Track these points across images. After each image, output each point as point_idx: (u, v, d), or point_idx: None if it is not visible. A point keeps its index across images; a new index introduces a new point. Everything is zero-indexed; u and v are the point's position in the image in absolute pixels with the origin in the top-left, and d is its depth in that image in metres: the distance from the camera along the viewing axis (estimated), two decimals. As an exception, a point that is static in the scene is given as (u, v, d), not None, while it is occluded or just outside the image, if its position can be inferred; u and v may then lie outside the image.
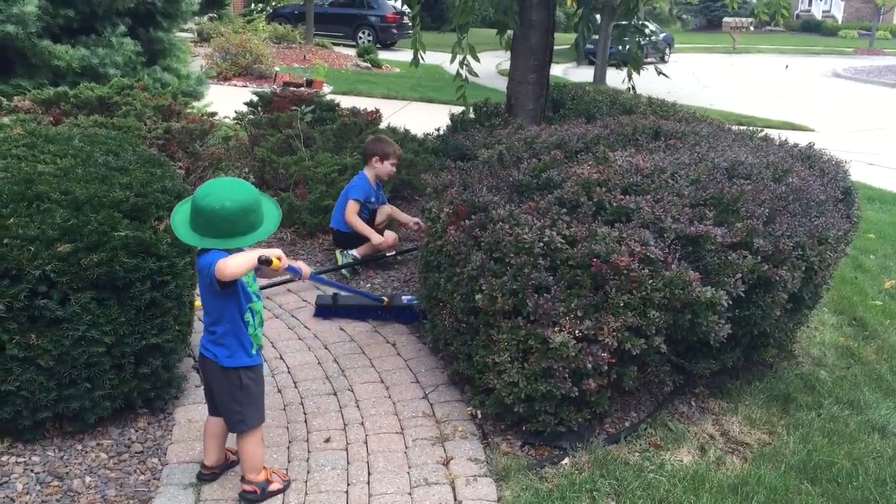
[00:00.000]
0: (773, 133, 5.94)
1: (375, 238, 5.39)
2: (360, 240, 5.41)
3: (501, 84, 17.39)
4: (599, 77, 20.56)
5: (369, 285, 5.12)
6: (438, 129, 8.15)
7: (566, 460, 3.47)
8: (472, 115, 7.94)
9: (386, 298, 4.60)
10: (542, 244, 3.44)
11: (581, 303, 3.37)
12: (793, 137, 5.87)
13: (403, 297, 4.63)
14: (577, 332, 3.32)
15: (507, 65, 7.73)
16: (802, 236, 3.85)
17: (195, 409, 3.67)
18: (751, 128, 5.93)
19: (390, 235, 5.48)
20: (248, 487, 3.12)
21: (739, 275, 3.58)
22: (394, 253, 5.53)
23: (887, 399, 4.30)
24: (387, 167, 5.56)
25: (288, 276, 3.55)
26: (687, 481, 3.37)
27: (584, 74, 22.17)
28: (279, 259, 2.91)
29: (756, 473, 3.46)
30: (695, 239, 3.60)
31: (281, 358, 4.22)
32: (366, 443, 3.52)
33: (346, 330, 4.53)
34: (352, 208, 5.44)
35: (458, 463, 3.38)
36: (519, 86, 6.19)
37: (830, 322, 5.42)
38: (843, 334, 5.25)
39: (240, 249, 2.85)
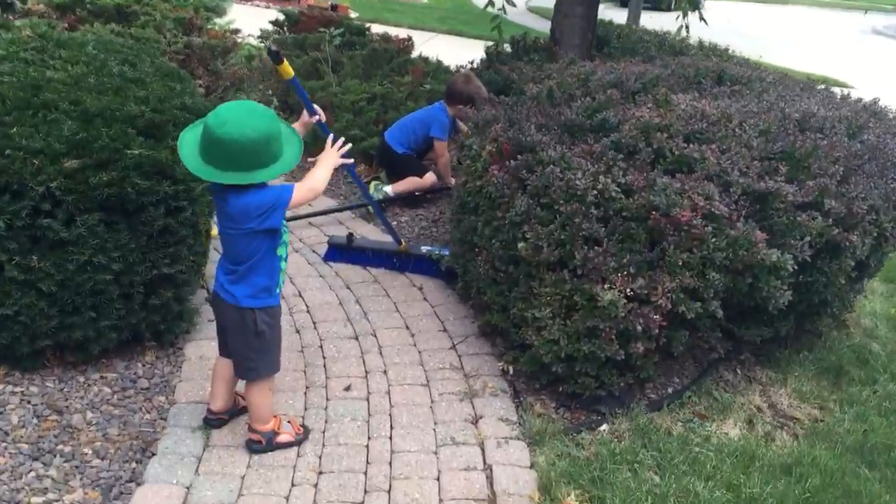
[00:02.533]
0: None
1: (453, 181, 5.03)
2: (411, 169, 5.07)
3: (532, 21, 16.82)
4: (633, 19, 19.80)
5: (395, 223, 4.81)
6: (472, 62, 7.73)
7: (604, 426, 3.21)
8: (508, 49, 7.51)
9: (403, 243, 4.22)
10: (595, 192, 3.12)
11: (634, 259, 3.06)
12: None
13: (423, 247, 4.26)
14: (628, 290, 3.02)
15: (537, 1, 7.26)
16: (877, 199, 3.51)
17: (207, 346, 3.41)
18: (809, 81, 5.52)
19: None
20: (253, 437, 2.89)
21: (808, 238, 3.26)
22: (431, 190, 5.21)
23: (946, 378, 4.00)
24: (470, 113, 5.20)
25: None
26: (736, 457, 3.11)
27: (618, 16, 21.43)
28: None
29: (810, 453, 3.19)
30: (763, 196, 3.26)
31: (300, 295, 3.95)
32: (388, 394, 3.26)
33: (371, 270, 4.23)
34: (444, 150, 5.08)
35: (487, 422, 3.12)
36: (566, 19, 5.77)
37: (880, 290, 5.10)
38: (894, 304, 4.94)
39: (263, 184, 2.55)
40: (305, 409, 3.13)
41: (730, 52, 6.62)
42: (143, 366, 3.28)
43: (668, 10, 17.63)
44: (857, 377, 3.88)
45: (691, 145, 3.34)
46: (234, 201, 2.52)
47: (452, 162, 5.14)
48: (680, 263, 3.02)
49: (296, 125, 2.96)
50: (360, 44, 6.81)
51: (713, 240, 3.04)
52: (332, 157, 2.83)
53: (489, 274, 3.54)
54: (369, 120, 5.67)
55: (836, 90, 5.89)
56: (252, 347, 2.75)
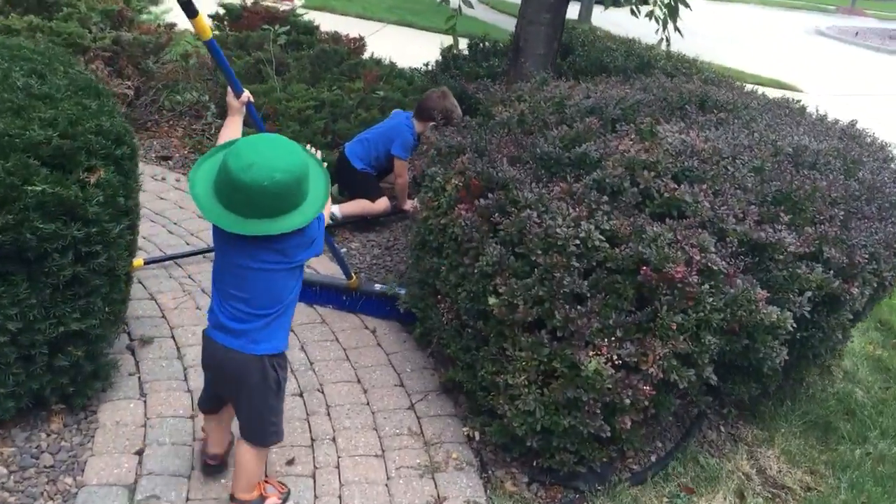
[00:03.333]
0: (764, 91, 5.28)
1: (409, 205, 4.62)
2: (367, 189, 4.62)
3: (483, 13, 16.37)
4: (585, 14, 19.53)
5: (345, 250, 4.37)
6: (427, 65, 7.30)
7: (584, 508, 2.83)
8: (465, 51, 7.10)
9: (354, 277, 3.75)
10: (577, 241, 2.73)
11: (621, 320, 2.69)
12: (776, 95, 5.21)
13: (376, 285, 3.78)
14: (615, 357, 2.64)
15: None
16: (878, 246, 3.20)
17: (126, 408, 2.94)
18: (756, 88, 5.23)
19: (411, 203, 4.72)
20: None
21: (808, 292, 2.93)
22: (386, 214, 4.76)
23: (935, 432, 3.74)
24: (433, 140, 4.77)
25: None
26: (730, 544, 2.76)
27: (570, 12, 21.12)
28: None
29: (808, 536, 2.87)
30: (761, 246, 2.92)
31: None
32: (338, 467, 2.84)
33: (317, 310, 3.78)
34: (404, 170, 4.64)
35: (453, 507, 2.72)
36: (530, 25, 5.36)
37: (856, 326, 4.84)
38: (870, 340, 4.68)
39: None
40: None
41: (698, 63, 6.31)
42: (48, 436, 2.79)
43: (621, 6, 17.24)
44: (845, 433, 3.59)
45: (682, 186, 2.97)
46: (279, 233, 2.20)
47: (410, 188, 4.72)
48: (674, 327, 2.65)
49: (230, 112, 2.72)
50: (308, 43, 6.31)
51: (710, 299, 2.68)
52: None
53: (453, 325, 3.13)
54: (317, 130, 5.20)
55: (780, 94, 5.63)
56: (273, 408, 2.47)
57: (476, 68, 6.48)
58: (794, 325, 2.85)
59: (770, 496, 3.12)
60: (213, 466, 2.71)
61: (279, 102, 5.33)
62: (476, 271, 2.86)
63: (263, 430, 2.48)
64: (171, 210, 4.56)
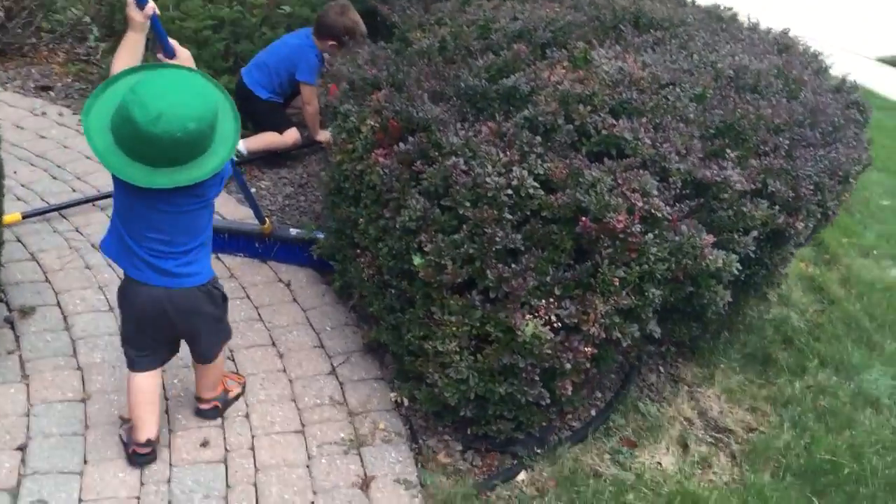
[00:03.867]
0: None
1: (322, 136, 4.22)
2: (274, 120, 4.20)
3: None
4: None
5: (254, 190, 3.98)
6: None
7: (522, 475, 2.65)
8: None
9: (268, 222, 3.41)
10: (509, 191, 2.45)
11: (559, 276, 2.45)
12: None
13: (291, 230, 3.45)
14: (552, 318, 2.41)
15: None
16: (823, 175, 3.01)
17: (4, 395, 2.61)
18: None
19: (326, 133, 4.31)
20: (206, 406, 2.66)
21: (755, 231, 2.74)
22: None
23: (872, 355, 3.68)
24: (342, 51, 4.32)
25: None
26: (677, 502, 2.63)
27: None
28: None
29: (753, 486, 2.76)
30: (705, 185, 2.69)
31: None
32: (252, 449, 2.57)
33: (225, 261, 3.43)
34: (313, 96, 4.19)
35: (381, 488, 2.49)
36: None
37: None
38: (802, 259, 4.59)
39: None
40: (141, 483, 2.39)
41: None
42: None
43: None
44: (784, 364, 3.49)
45: (620, 121, 2.69)
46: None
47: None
48: (616, 282, 2.42)
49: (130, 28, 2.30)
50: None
51: (654, 250, 2.45)
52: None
53: (375, 282, 2.84)
54: (216, 53, 4.70)
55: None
56: (219, 323, 2.50)
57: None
58: (740, 268, 2.66)
59: (713, 441, 3.00)
60: (145, 456, 2.44)
61: (172, 22, 4.76)
62: (398, 226, 2.56)
63: (211, 348, 2.53)
64: (54, 151, 4.07)
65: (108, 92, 2.08)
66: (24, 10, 4.96)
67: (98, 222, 3.55)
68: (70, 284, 3.14)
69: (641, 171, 2.57)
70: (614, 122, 2.69)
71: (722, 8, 5.29)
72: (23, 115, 4.35)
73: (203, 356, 2.54)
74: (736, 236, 2.72)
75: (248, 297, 3.24)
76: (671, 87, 2.97)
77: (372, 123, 2.82)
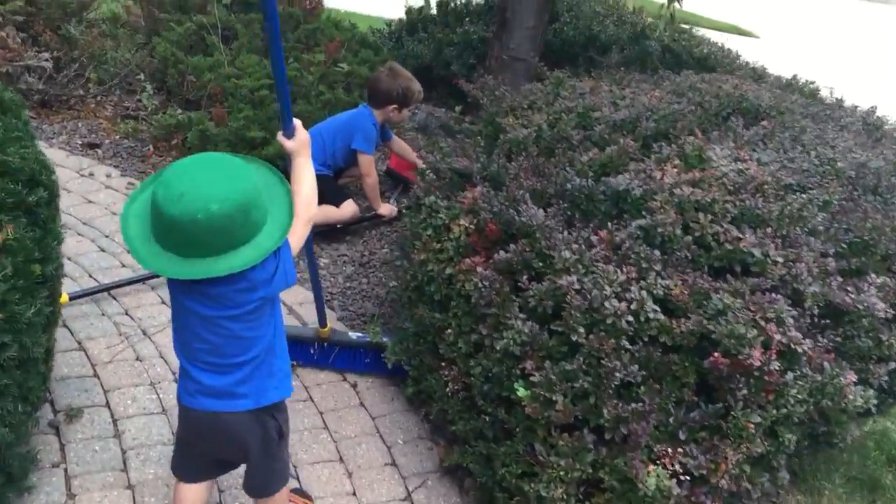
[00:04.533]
0: (718, 36, 4.81)
1: (384, 209, 4.04)
2: (326, 194, 3.92)
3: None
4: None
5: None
6: (391, 25, 6.57)
7: None
8: (433, 10, 6.40)
9: (324, 329, 3.00)
10: (629, 316, 2.16)
11: (683, 417, 2.15)
12: (736, 43, 4.72)
13: (351, 333, 3.10)
14: (676, 466, 2.10)
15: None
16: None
17: (51, 519, 2.30)
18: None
19: (388, 206, 4.09)
20: None
21: (893, 363, 2.43)
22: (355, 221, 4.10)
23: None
24: (404, 114, 4.09)
25: None
26: None
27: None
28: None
29: None
30: (842, 311, 2.40)
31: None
32: None
33: (286, 355, 3.14)
34: (371, 167, 3.98)
35: None
36: (519, -6, 4.68)
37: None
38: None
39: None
40: None
41: (692, 33, 5.73)
42: (-54, 572, 2.14)
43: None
44: (894, 488, 3.15)
45: (746, 234, 2.40)
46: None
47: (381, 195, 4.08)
48: (751, 427, 2.12)
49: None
50: (257, 3, 5.49)
51: (793, 391, 2.15)
52: (306, 144, 2.08)
53: (461, 400, 2.56)
54: (273, 115, 4.47)
55: (734, 40, 5.13)
56: (279, 454, 2.14)
57: (450, 34, 5.79)
58: (876, 403, 2.35)
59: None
60: None
61: (228, 80, 4.57)
62: (498, 349, 2.27)
63: (269, 483, 2.19)
64: (102, 218, 3.82)
65: (150, 187, 1.84)
66: (73, 62, 4.76)
67: (149, 303, 3.29)
68: (120, 380, 2.86)
69: (774, 296, 2.27)
70: (739, 234, 2.40)
71: (802, 81, 5.06)
72: (70, 177, 4.12)
73: (256, 491, 2.21)
74: (871, 366, 2.43)
75: (311, 398, 2.95)
76: (796, 192, 2.69)
77: (465, 224, 2.55)
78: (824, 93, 4.99)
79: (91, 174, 4.18)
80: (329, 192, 3.96)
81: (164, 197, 1.71)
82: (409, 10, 6.39)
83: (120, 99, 4.93)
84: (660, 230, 2.38)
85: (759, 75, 5.22)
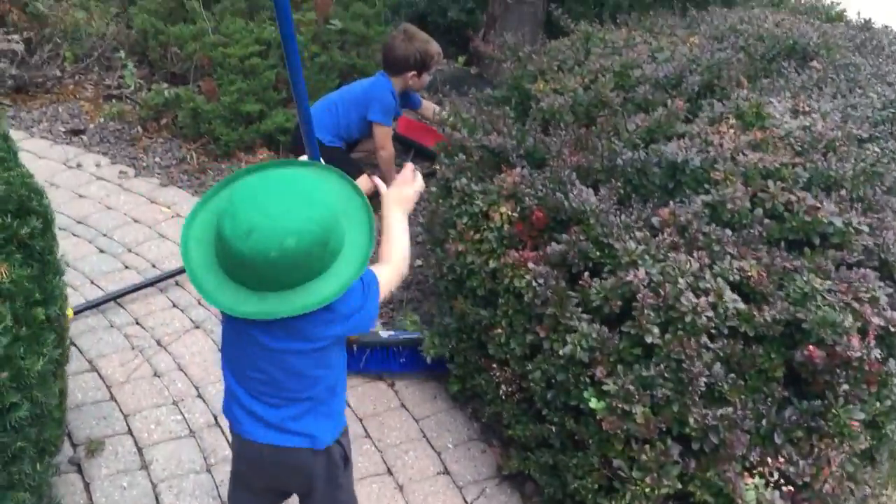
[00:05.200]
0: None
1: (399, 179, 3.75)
2: (338, 164, 3.63)
3: None
4: None
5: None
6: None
7: None
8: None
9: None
10: (709, 312, 1.93)
11: (775, 417, 1.94)
12: None
13: (382, 332, 2.81)
14: (774, 474, 1.90)
15: None
16: None
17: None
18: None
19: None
20: None
21: None
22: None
23: None
24: (424, 80, 3.77)
25: None
26: None
27: None
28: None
29: None
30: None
31: (217, 425, 2.62)
32: None
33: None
34: (387, 139, 3.69)
35: None
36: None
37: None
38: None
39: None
40: None
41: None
42: None
43: None
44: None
45: (824, 202, 2.15)
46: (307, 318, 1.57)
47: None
48: (855, 425, 1.91)
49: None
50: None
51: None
52: (408, 200, 1.98)
53: (518, 403, 2.34)
54: (268, 84, 4.16)
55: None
56: (345, 482, 1.91)
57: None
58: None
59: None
60: None
61: (214, 49, 4.22)
62: (562, 355, 2.04)
63: None
64: (97, 215, 3.55)
65: (221, 195, 1.62)
66: (46, 41, 4.41)
67: (160, 308, 3.05)
68: (140, 401, 2.64)
69: (863, 271, 2.04)
70: (816, 202, 2.15)
71: (826, 2, 4.77)
72: (56, 169, 3.82)
73: None
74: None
75: (347, 404, 2.72)
76: (864, 143, 2.43)
77: (507, 212, 2.29)
78: (851, 14, 4.68)
79: (79, 164, 3.88)
80: (340, 165, 3.67)
81: (231, 231, 1.48)
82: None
83: (100, 77, 4.58)
84: (729, 206, 2.13)
85: (779, 0, 4.89)
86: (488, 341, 2.37)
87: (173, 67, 4.39)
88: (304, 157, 2.11)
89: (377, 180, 2.25)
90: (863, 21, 4.46)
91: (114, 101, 4.38)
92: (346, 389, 1.84)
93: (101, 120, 4.22)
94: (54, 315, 1.94)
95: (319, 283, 1.55)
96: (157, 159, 3.98)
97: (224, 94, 4.00)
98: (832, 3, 4.75)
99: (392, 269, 1.79)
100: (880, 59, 3.09)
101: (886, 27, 4.29)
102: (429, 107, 4.03)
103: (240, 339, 1.69)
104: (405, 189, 1.96)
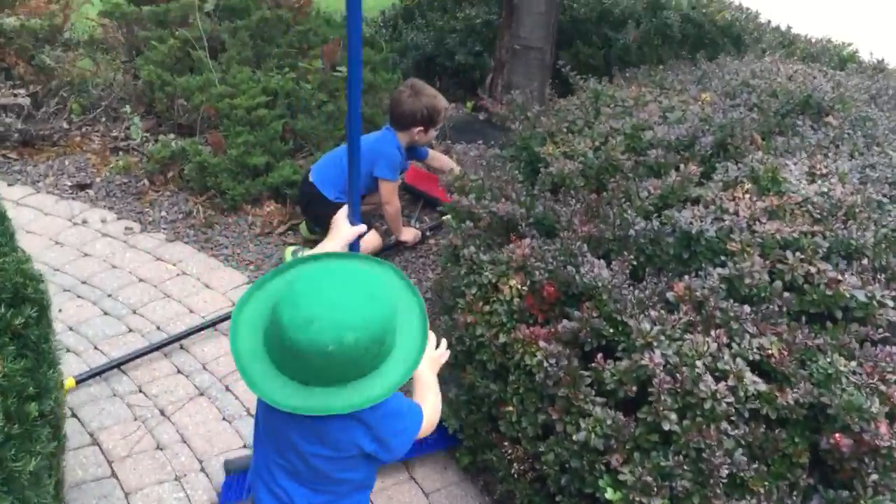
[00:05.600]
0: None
1: (406, 234, 3.74)
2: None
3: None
4: None
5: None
6: (384, 14, 6.16)
7: None
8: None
9: None
10: (729, 398, 1.85)
11: (803, 506, 1.85)
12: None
13: None
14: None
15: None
16: None
17: None
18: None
19: (411, 231, 3.78)
20: None
21: None
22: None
23: None
24: (431, 135, 3.73)
25: None
26: None
27: None
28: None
29: None
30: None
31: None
32: None
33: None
34: (393, 194, 3.65)
35: None
36: (527, -23, 4.28)
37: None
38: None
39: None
40: None
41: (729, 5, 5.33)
42: None
43: None
44: None
45: (846, 274, 2.07)
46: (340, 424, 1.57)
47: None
48: (883, 515, 1.82)
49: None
50: (241, 7, 5.08)
51: (925, 465, 1.85)
52: (437, 362, 1.93)
53: (530, 482, 2.26)
54: (274, 135, 4.12)
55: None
56: None
57: (450, 20, 5.39)
58: None
59: None
60: None
61: (221, 100, 4.20)
62: (576, 439, 1.96)
63: None
64: (102, 274, 3.50)
65: (277, 282, 1.59)
66: (52, 94, 4.40)
67: (164, 374, 2.99)
68: (141, 478, 2.57)
69: (890, 349, 1.96)
70: (837, 275, 2.07)
71: (836, 42, 4.71)
72: (61, 227, 3.79)
73: None
74: None
75: (355, 476, 2.65)
76: (884, 207, 2.35)
77: (517, 285, 2.22)
78: (863, 55, 4.62)
79: (84, 221, 3.85)
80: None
81: (290, 320, 1.43)
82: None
83: (107, 128, 4.56)
84: (747, 280, 2.06)
85: (789, 41, 4.84)
86: (499, 417, 2.30)
87: (180, 119, 4.37)
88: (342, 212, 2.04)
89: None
90: (876, 62, 4.41)
91: (120, 153, 4.35)
92: (373, 485, 1.78)
93: (108, 173, 4.19)
94: (48, 409, 1.88)
95: (367, 382, 1.50)
96: (164, 213, 3.94)
97: (231, 147, 3.96)
98: (843, 43, 4.70)
99: (425, 420, 1.74)
100: (890, 112, 3.02)
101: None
102: (435, 156, 3.99)
103: (274, 430, 1.66)
104: (435, 352, 1.91)
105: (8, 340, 1.83)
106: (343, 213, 2.04)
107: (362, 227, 2.02)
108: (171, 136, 4.30)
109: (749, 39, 4.69)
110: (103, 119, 4.63)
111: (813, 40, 4.88)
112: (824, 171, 2.43)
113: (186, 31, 4.63)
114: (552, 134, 2.68)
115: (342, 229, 2.00)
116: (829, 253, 2.16)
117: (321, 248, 1.94)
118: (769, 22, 5.23)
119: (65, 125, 4.47)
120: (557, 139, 2.64)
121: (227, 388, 2.96)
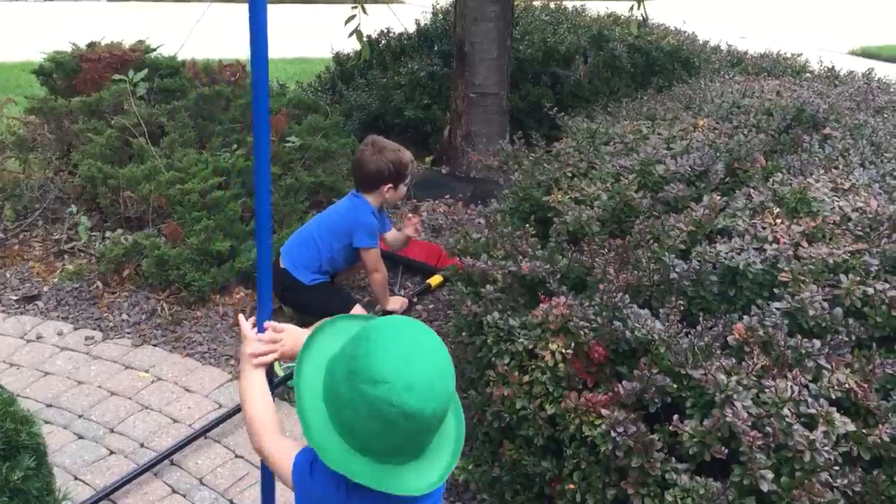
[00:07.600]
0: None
1: (393, 304, 3.50)
2: (328, 305, 3.26)
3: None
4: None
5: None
6: (320, 77, 5.99)
7: None
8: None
9: None
10: (826, 446, 1.68)
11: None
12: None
13: None
14: None
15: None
16: None
17: None
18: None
19: (398, 300, 3.54)
20: None
21: None
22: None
23: None
24: (401, 192, 3.51)
25: None
26: None
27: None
28: None
29: None
30: None
31: None
32: None
33: None
34: (378, 261, 3.43)
35: None
36: (476, 24, 4.15)
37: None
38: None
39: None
40: None
41: (662, 27, 5.34)
42: None
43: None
44: None
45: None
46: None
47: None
48: None
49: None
50: (176, 87, 4.85)
51: None
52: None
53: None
54: (234, 216, 3.87)
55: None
56: None
57: (393, 76, 5.25)
58: None
59: None
60: None
61: (171, 186, 3.93)
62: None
63: None
64: (68, 393, 3.17)
65: (318, 351, 1.46)
66: (-15, 205, 4.07)
67: (158, 496, 2.68)
68: None
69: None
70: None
71: (786, 55, 4.74)
72: (14, 346, 3.44)
73: None
74: None
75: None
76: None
77: (559, 349, 2.02)
78: (813, 65, 4.65)
79: (39, 336, 3.51)
80: (332, 300, 3.37)
81: (395, 386, 1.28)
82: (337, 57, 5.83)
83: (47, 232, 4.23)
84: (811, 312, 1.91)
85: (737, 59, 4.85)
86: (555, 496, 2.08)
87: (127, 212, 4.07)
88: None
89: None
90: (827, 70, 4.43)
91: (66, 256, 4.03)
92: None
93: (56, 280, 3.87)
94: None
95: (434, 454, 1.40)
96: (125, 316, 3.63)
97: (190, 235, 3.70)
98: (792, 55, 4.73)
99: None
100: (885, 115, 2.97)
101: (851, 73, 4.27)
102: (391, 235, 3.72)
103: None
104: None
105: (7, 500, 1.54)
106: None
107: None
108: (120, 231, 4.00)
109: (698, 61, 4.67)
110: (41, 223, 4.31)
111: (759, 55, 4.90)
112: (846, 185, 2.33)
113: (122, 118, 4.36)
114: (556, 180, 2.52)
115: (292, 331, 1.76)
116: (880, 271, 2.04)
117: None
118: (708, 41, 5.25)
119: (0, 235, 4.13)
120: (563, 185, 2.47)
121: (232, 502, 2.67)
